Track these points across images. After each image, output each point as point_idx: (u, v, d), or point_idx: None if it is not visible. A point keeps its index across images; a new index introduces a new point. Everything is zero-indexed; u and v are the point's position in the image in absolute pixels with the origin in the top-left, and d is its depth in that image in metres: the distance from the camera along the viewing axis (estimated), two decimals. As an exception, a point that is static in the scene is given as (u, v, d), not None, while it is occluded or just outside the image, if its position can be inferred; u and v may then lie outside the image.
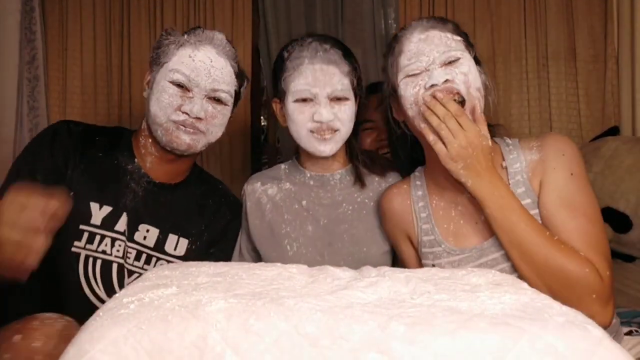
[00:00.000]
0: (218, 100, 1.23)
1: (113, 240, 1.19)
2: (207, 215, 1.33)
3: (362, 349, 0.54)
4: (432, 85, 1.05)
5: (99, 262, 1.18)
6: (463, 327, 0.55)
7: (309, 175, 1.33)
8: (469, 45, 1.12)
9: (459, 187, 1.07)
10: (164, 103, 1.18)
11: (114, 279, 1.18)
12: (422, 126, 1.06)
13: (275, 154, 2.47)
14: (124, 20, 2.21)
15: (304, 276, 0.78)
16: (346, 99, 1.23)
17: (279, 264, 0.84)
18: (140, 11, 2.21)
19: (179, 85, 1.19)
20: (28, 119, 2.01)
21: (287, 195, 1.32)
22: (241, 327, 0.56)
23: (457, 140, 0.99)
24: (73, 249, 1.16)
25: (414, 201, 1.18)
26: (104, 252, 1.18)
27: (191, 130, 1.20)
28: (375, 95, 1.69)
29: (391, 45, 1.16)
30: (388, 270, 0.80)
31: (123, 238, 1.20)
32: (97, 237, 1.18)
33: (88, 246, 1.17)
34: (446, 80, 1.05)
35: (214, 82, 1.20)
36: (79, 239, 1.16)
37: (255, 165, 2.44)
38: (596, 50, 2.04)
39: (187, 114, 1.18)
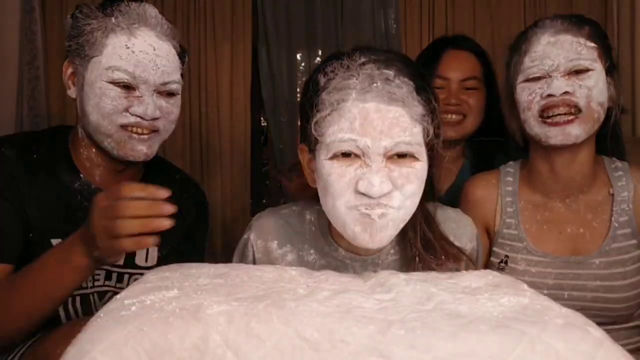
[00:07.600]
0: (170, 94, 1.07)
1: None
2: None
3: (363, 352, 0.54)
4: (549, 95, 1.01)
5: (78, 300, 1.05)
6: (463, 331, 0.56)
7: (343, 253, 0.96)
8: (605, 52, 1.06)
9: (551, 194, 1.08)
10: (106, 109, 1.00)
11: (95, 309, 1.01)
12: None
13: (275, 156, 2.46)
14: (123, 20, 2.21)
15: (305, 279, 0.78)
16: (414, 158, 0.82)
17: (278, 266, 0.84)
18: (140, 11, 2.22)
19: (122, 85, 1.00)
20: (28, 119, 2.01)
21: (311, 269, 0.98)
22: (242, 330, 0.56)
23: None
24: None
25: (501, 194, 1.17)
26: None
27: (146, 135, 1.03)
28: (459, 49, 1.51)
29: (518, 43, 1.10)
30: (388, 273, 0.80)
31: None
32: None
33: None
34: (565, 92, 1.01)
35: (163, 75, 1.03)
36: None
37: (255, 165, 2.43)
38: (596, 50, 2.03)
39: (139, 116, 1.01)
